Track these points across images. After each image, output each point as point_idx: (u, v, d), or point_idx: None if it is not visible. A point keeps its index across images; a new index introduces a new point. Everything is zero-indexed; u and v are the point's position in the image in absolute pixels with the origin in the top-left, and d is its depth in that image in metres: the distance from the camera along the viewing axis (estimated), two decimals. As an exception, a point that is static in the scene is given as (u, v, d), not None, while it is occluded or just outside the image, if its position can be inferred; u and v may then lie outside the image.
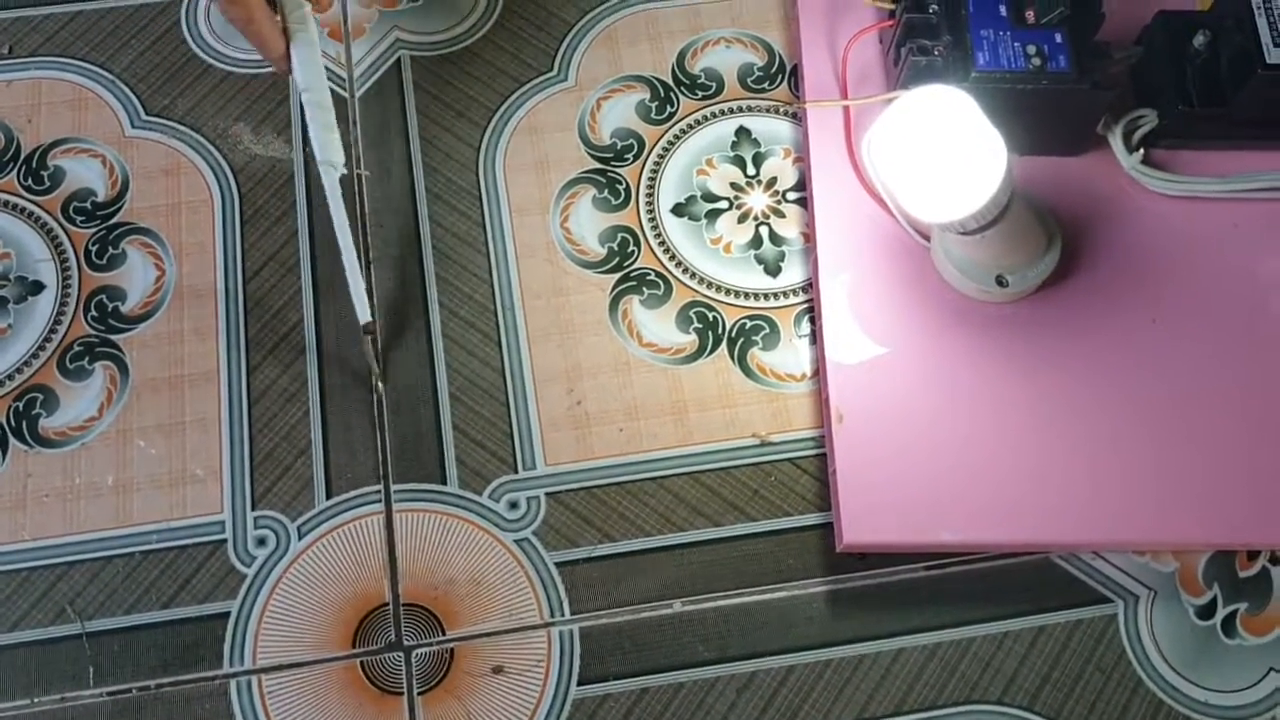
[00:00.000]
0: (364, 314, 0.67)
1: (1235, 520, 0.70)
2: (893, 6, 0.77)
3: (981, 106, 0.72)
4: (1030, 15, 0.72)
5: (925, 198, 0.65)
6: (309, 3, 0.64)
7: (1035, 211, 0.74)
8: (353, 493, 0.71)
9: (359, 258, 0.69)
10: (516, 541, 0.70)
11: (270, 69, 0.79)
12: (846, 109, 0.79)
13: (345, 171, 0.65)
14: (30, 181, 0.79)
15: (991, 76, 0.71)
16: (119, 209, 0.78)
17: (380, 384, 0.73)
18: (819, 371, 0.73)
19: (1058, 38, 0.72)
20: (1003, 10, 0.72)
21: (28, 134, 0.80)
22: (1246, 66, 0.71)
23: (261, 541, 0.70)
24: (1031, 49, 0.72)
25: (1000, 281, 0.74)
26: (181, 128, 0.81)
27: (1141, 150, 0.77)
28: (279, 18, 0.64)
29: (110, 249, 0.77)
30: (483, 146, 0.80)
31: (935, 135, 0.64)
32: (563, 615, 0.69)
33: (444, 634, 0.68)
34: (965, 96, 0.64)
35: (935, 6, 0.74)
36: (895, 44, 0.77)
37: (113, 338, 0.75)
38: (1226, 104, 0.74)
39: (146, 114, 0.81)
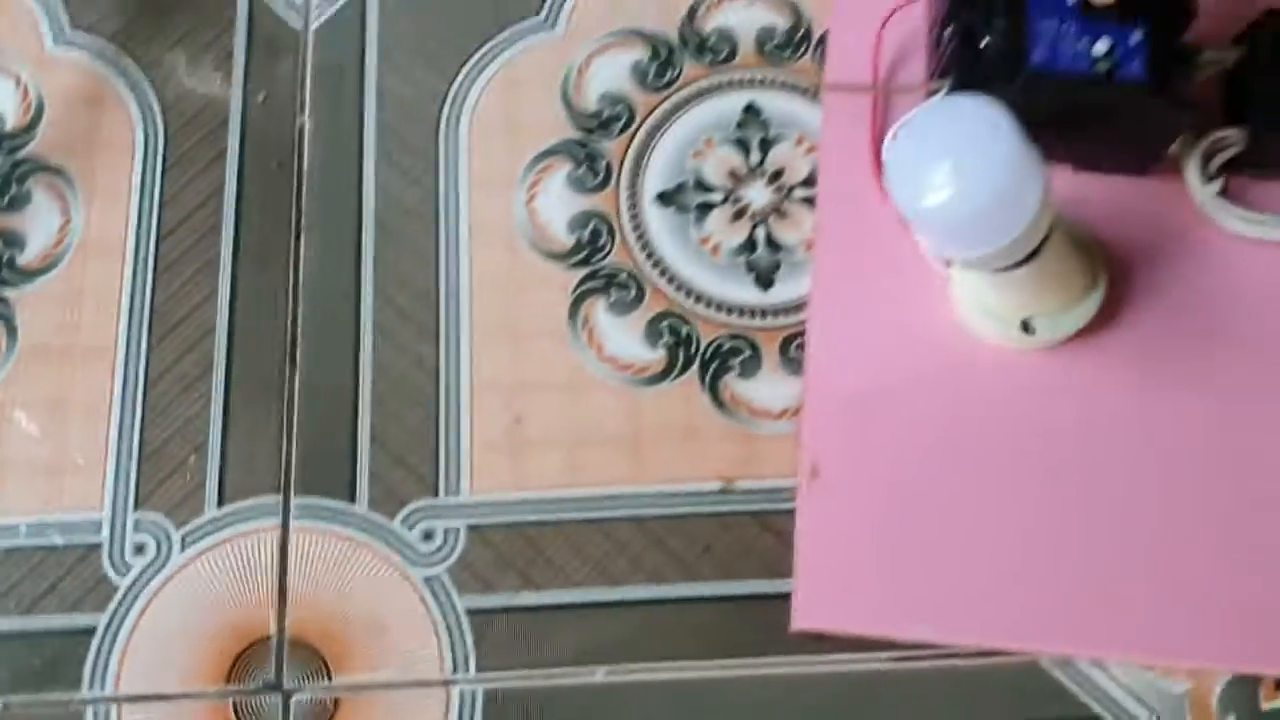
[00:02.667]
0: None
1: (1270, 640, 0.58)
2: (944, -32, 0.63)
3: (1034, 109, 0.59)
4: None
5: (942, 227, 0.53)
6: None
7: (1079, 246, 0.62)
8: (248, 502, 0.63)
9: (293, 223, 0.62)
10: (426, 579, 0.61)
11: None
12: (875, 96, 0.66)
13: None
14: (-69, 98, 0.69)
15: (1048, 77, 0.58)
16: (29, 141, 0.69)
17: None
18: (799, 409, 0.62)
19: (1136, 35, 0.58)
20: (1070, -1, 0.59)
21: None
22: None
23: (140, 549, 0.61)
24: (1101, 47, 0.58)
25: (1026, 327, 0.62)
26: (111, 48, 0.70)
27: (1221, 179, 0.63)
28: None
29: (14, 186, 0.68)
30: (448, 101, 0.69)
31: (960, 156, 0.51)
32: (467, 672, 0.60)
33: (330, 680, 0.60)
34: (1001, 111, 0.51)
35: (990, -17, 0.61)
36: (940, 22, 0.64)
37: (4, 292, 0.65)
38: (1330, 132, 0.60)
39: (72, 28, 0.71)
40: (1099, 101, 0.58)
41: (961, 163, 0.51)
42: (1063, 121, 0.60)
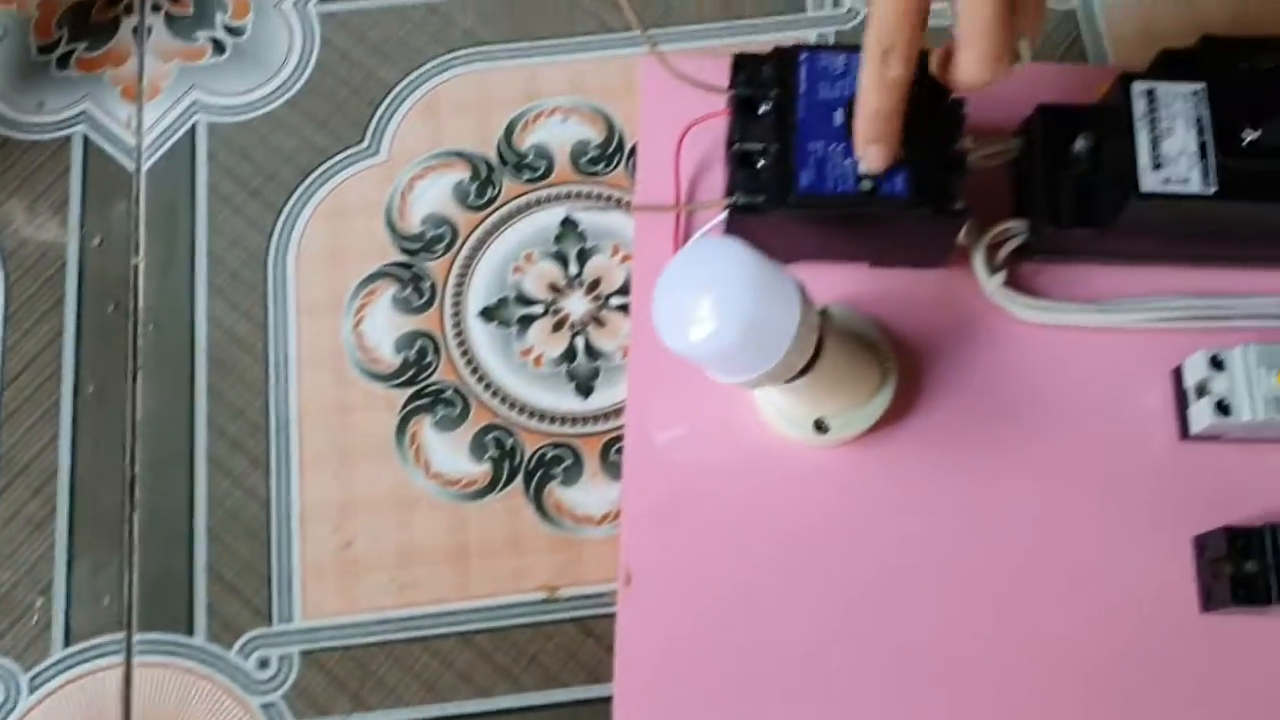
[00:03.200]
0: None
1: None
2: (730, 92, 0.66)
3: (813, 224, 0.62)
4: (868, 122, 0.61)
5: (706, 359, 0.56)
6: None
7: (863, 346, 0.65)
8: (94, 640, 0.65)
9: (130, 363, 0.65)
10: (264, 706, 0.63)
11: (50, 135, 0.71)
12: (677, 215, 0.69)
13: None
14: None
15: (815, 199, 0.61)
16: None
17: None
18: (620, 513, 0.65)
19: (897, 153, 0.61)
20: (838, 117, 0.62)
21: None
22: (1121, 190, 0.60)
23: (-12, 694, 0.63)
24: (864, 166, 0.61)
25: (820, 427, 0.64)
26: (-52, 201, 0.73)
27: (1005, 270, 0.66)
28: None
29: None
30: (275, 233, 0.72)
31: (713, 293, 0.54)
32: (305, 797, 0.61)
33: (174, 811, 0.61)
34: (746, 249, 0.54)
35: (767, 105, 0.63)
36: (727, 143, 0.66)
37: None
38: (1103, 225, 0.63)
39: (-92, 183, 0.73)
40: (871, 215, 0.61)
41: (715, 300, 0.54)
42: (846, 229, 0.63)
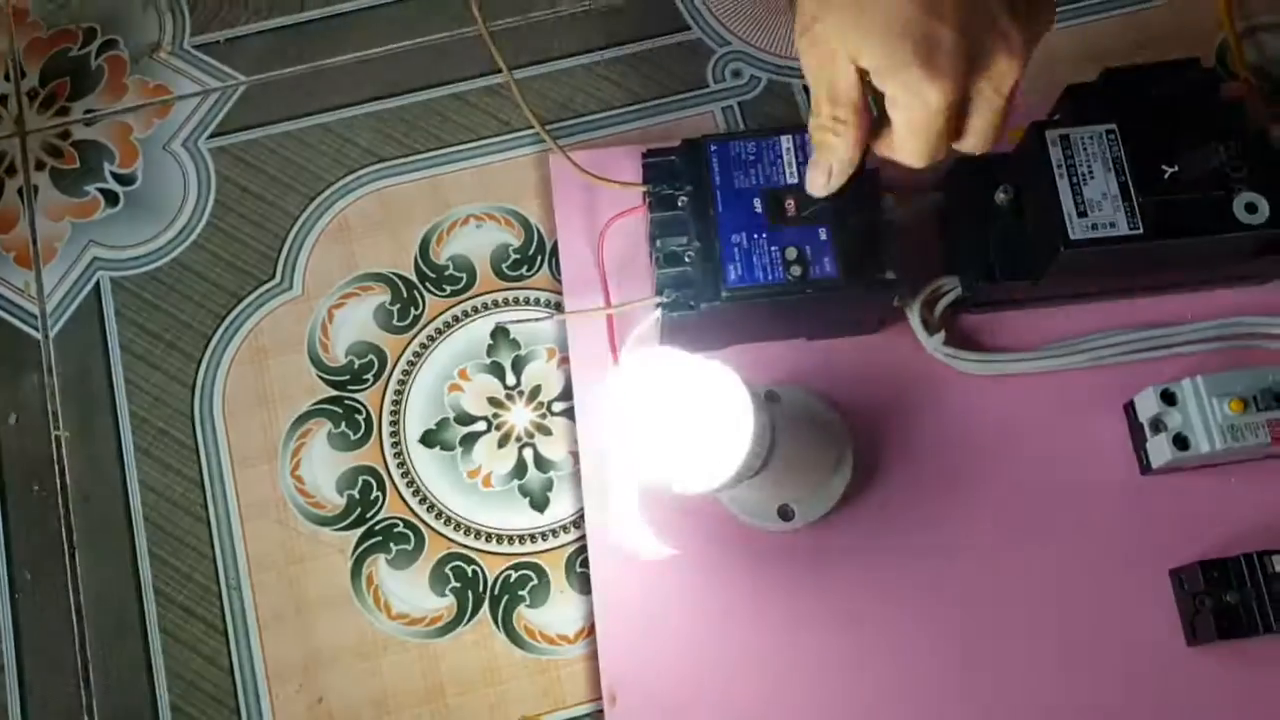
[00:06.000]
0: None
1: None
2: (645, 189, 0.65)
3: (747, 313, 0.61)
4: (790, 205, 0.61)
5: (668, 474, 0.54)
6: None
7: (819, 432, 0.64)
8: (65, 841, 0.61)
9: (65, 542, 0.64)
10: None
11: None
12: (609, 317, 0.67)
13: None
14: None
15: (746, 292, 0.60)
16: None
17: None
18: (594, 626, 0.63)
19: (821, 234, 0.61)
20: (757, 206, 0.61)
21: None
22: (1049, 241, 0.59)
23: None
24: (791, 253, 0.60)
25: (784, 514, 0.63)
26: None
27: (943, 331, 0.66)
28: None
29: None
30: (198, 384, 0.69)
31: (662, 411, 0.53)
32: None
33: None
34: (688, 362, 0.53)
35: (684, 199, 0.62)
36: (649, 240, 0.65)
37: None
38: (1033, 276, 0.63)
39: None
40: (803, 299, 0.60)
41: (663, 411, 0.53)
42: (779, 312, 0.62)
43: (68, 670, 0.65)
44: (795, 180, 0.61)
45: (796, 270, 0.59)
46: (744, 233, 0.60)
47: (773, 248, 0.60)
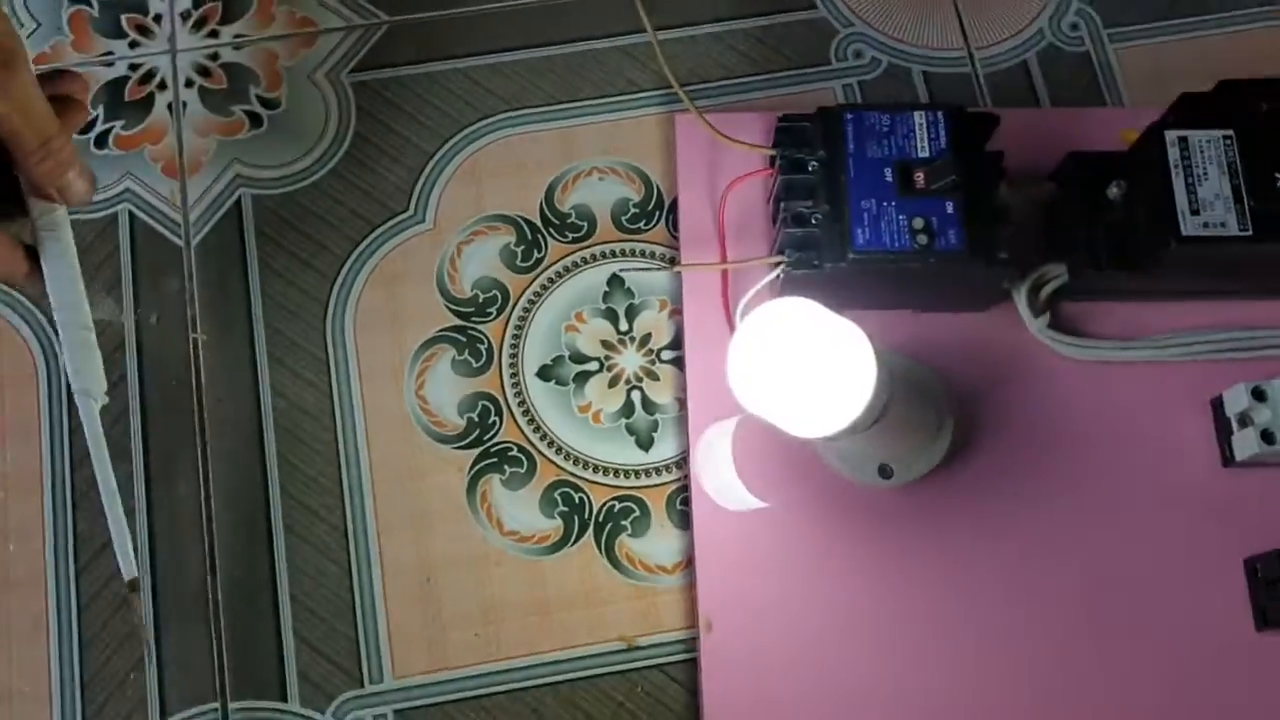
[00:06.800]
0: (128, 569, 0.57)
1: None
2: (772, 153, 0.69)
3: (867, 278, 0.65)
4: (920, 178, 0.65)
5: (785, 416, 0.58)
6: (60, 202, 0.55)
7: (924, 398, 0.68)
8: (189, 712, 0.66)
9: (198, 437, 0.66)
10: (362, 767, 0.65)
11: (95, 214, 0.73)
12: (724, 272, 0.71)
13: (107, 400, 0.56)
14: None
15: (873, 256, 0.64)
16: (-69, 384, 0.71)
17: (217, 606, 0.67)
18: (692, 560, 0.67)
19: (949, 208, 0.64)
20: (888, 175, 0.65)
21: None
22: (1161, 235, 0.63)
23: (87, 772, 0.64)
24: (919, 223, 0.64)
25: (884, 472, 0.67)
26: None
27: (1048, 314, 0.69)
28: (16, 225, 0.55)
29: (-77, 432, 0.70)
30: (331, 302, 0.73)
31: (789, 354, 0.57)
32: None
33: None
34: (820, 311, 0.57)
35: (815, 164, 0.66)
36: (773, 200, 0.69)
37: (-74, 536, 0.68)
38: (1141, 268, 0.66)
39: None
40: (925, 268, 0.64)
41: (791, 358, 0.56)
42: (896, 285, 0.66)
43: (196, 558, 0.69)
44: (926, 154, 0.64)
45: (923, 239, 0.63)
46: (873, 199, 0.64)
47: (900, 216, 0.63)
